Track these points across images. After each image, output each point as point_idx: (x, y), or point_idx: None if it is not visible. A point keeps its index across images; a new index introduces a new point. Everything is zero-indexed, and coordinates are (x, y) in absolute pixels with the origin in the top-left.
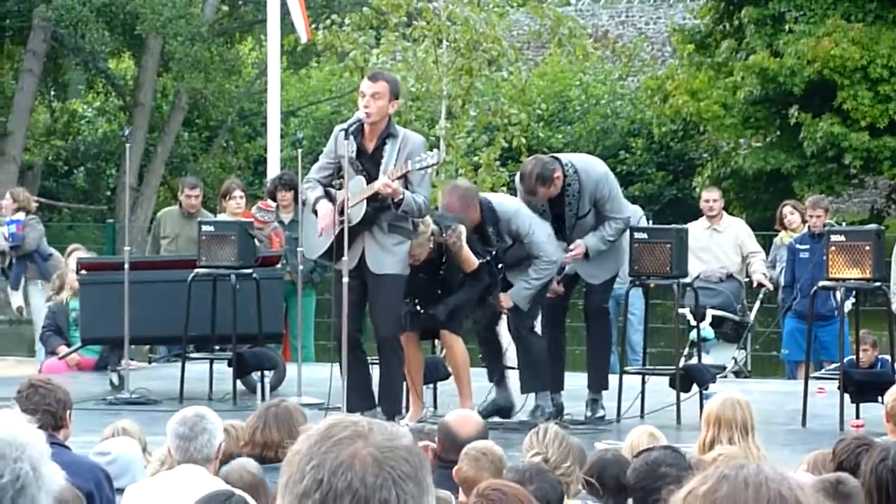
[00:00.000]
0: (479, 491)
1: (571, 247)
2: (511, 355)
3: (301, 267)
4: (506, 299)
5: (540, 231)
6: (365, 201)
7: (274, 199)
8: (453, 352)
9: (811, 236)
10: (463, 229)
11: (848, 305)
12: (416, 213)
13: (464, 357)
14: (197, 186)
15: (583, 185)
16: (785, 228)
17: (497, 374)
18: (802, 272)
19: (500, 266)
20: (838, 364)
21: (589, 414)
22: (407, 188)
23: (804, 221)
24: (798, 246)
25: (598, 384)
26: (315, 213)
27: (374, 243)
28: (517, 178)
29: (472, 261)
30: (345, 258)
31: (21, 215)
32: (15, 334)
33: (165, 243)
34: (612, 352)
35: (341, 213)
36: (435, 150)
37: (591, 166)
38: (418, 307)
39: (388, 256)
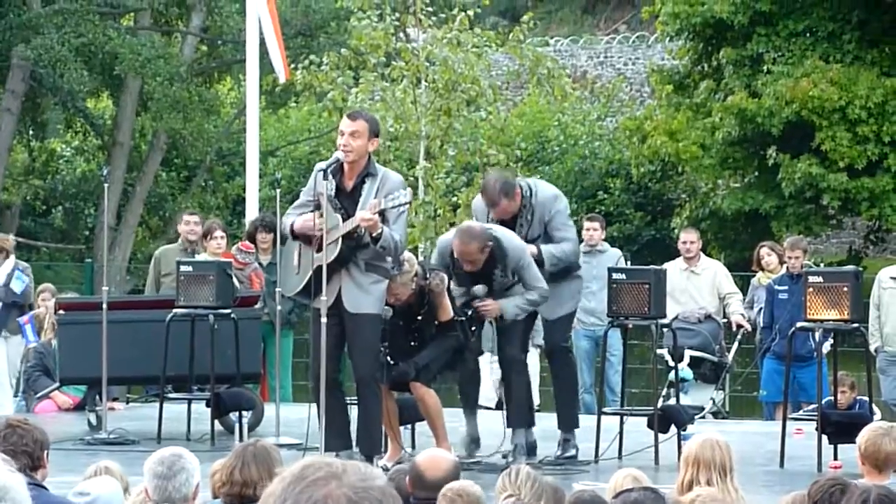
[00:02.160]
0: None
1: (481, 304)
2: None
3: (280, 308)
4: (495, 307)
5: (534, 263)
6: (340, 240)
7: (253, 241)
8: (425, 403)
9: (790, 277)
10: (445, 276)
11: (826, 347)
12: (392, 250)
13: (436, 407)
14: (196, 214)
15: (535, 209)
16: (762, 269)
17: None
18: (781, 313)
19: (472, 329)
20: (816, 405)
21: (559, 453)
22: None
23: (781, 262)
24: (777, 287)
25: (567, 423)
26: (293, 234)
27: (350, 282)
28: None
29: (449, 310)
30: (323, 297)
31: (11, 261)
32: None
33: (168, 280)
34: (589, 392)
35: (319, 250)
36: (408, 188)
37: (542, 189)
38: (389, 358)
39: (365, 296)
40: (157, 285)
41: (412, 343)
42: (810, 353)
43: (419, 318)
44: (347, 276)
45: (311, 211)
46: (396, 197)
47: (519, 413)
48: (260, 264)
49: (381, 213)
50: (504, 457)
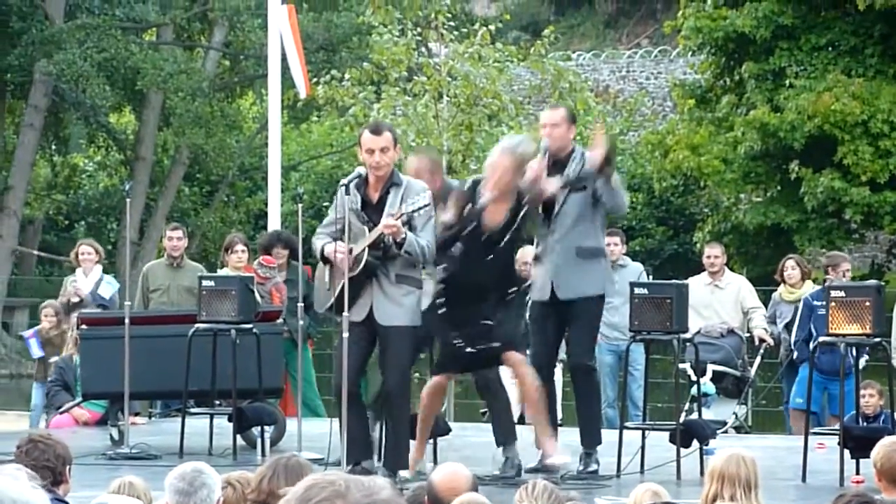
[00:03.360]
0: None
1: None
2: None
3: (301, 322)
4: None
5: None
6: (365, 251)
7: (269, 253)
8: (525, 381)
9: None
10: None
11: (862, 363)
12: (419, 256)
13: (534, 386)
14: (178, 228)
15: (585, 160)
16: (784, 282)
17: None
18: (822, 327)
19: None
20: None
21: (581, 468)
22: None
23: (804, 278)
24: (815, 302)
25: (590, 439)
26: (325, 260)
27: (381, 295)
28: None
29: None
30: (345, 313)
31: (100, 269)
32: (15, 389)
33: (156, 296)
34: (612, 406)
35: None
36: (427, 191)
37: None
38: (460, 343)
39: (397, 308)
40: (146, 301)
41: (483, 324)
42: (849, 368)
43: (501, 242)
44: (379, 289)
45: (340, 230)
46: (416, 201)
47: (504, 429)
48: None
49: (408, 221)
50: (527, 471)
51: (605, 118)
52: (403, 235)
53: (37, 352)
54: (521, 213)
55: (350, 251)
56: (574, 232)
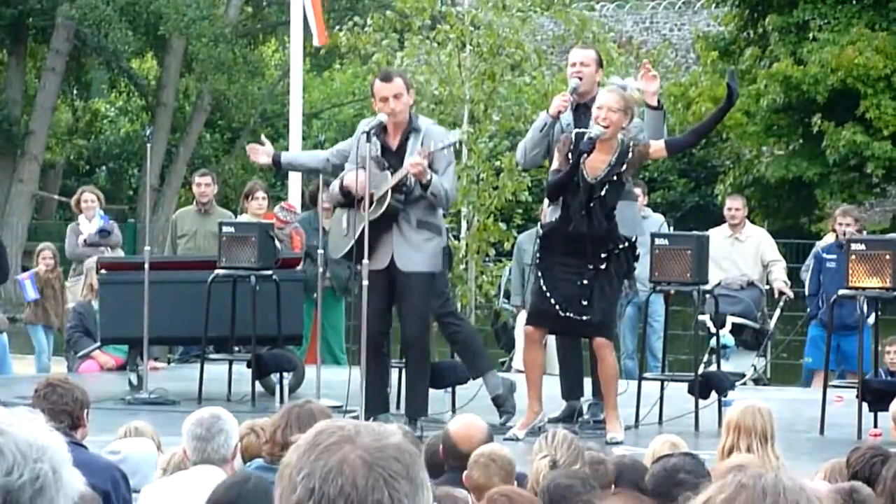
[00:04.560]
0: (489, 497)
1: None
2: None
3: (320, 270)
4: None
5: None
6: (389, 192)
7: (315, 203)
8: (605, 363)
9: (838, 246)
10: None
11: (871, 318)
12: (443, 199)
13: (615, 370)
14: (207, 175)
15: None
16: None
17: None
18: (829, 281)
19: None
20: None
21: (587, 417)
22: None
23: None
24: (825, 255)
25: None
26: (342, 192)
27: (402, 240)
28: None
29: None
30: (365, 260)
31: (99, 213)
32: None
33: (183, 242)
34: (631, 357)
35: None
36: (456, 129)
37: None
38: (553, 303)
39: (418, 254)
40: (175, 247)
41: (579, 287)
42: (857, 322)
43: (604, 192)
44: (399, 234)
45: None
46: (446, 136)
47: (476, 361)
48: (323, 229)
49: (429, 164)
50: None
51: (628, 69)
52: (429, 177)
53: (32, 294)
54: (623, 167)
55: (371, 196)
56: None
